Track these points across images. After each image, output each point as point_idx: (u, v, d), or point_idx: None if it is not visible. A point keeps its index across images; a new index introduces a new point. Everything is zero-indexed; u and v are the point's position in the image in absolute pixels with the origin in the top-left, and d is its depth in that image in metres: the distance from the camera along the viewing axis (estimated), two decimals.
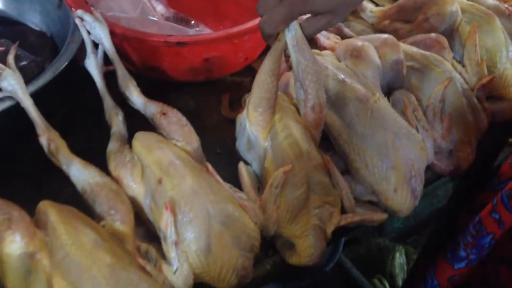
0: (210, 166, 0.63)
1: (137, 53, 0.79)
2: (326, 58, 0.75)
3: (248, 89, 0.86)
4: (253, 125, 0.66)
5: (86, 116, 0.81)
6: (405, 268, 1.70)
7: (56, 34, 0.85)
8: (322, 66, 0.73)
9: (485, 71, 0.80)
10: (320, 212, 0.63)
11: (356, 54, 0.74)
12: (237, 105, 0.85)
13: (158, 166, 0.59)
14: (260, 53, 0.90)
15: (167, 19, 0.87)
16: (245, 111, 0.68)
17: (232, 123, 0.82)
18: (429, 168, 0.75)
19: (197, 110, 0.84)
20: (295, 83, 0.67)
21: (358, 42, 0.76)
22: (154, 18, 0.82)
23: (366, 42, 0.75)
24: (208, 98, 0.86)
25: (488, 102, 0.80)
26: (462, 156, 0.75)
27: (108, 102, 0.70)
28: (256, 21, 0.79)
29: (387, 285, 1.66)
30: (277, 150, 0.64)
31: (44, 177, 0.68)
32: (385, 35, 0.78)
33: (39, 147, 0.65)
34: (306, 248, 0.61)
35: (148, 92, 0.72)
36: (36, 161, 0.68)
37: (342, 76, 0.71)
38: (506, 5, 0.88)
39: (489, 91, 0.81)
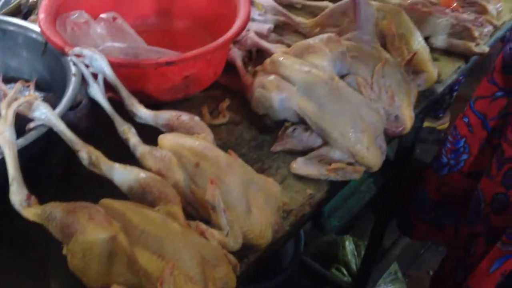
0: (232, 152, 0.76)
1: (125, 80, 0.89)
2: (288, 57, 0.91)
3: (220, 100, 1.01)
4: None
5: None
6: (355, 253, 1.89)
7: (41, 78, 0.93)
8: (288, 63, 0.89)
9: (405, 52, 1.02)
10: None
11: (312, 50, 0.91)
12: (216, 113, 0.99)
13: (193, 153, 0.71)
14: (223, 68, 1.04)
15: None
16: None
17: (215, 128, 0.95)
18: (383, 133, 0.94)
19: None
20: None
21: (310, 41, 0.93)
22: (144, 45, 0.94)
23: (317, 40, 0.93)
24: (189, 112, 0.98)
25: (413, 75, 1.01)
26: (406, 118, 0.95)
27: (118, 120, 0.80)
28: (222, 39, 0.94)
29: (344, 271, 1.83)
30: None
31: (73, 193, 0.77)
32: (327, 34, 0.96)
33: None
34: None
35: None
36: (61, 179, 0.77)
37: (306, 68, 0.88)
38: (408, 1, 1.12)
39: (412, 65, 1.02)
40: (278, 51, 1.03)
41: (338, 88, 0.86)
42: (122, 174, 0.69)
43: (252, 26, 1.15)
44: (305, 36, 1.17)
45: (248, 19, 0.97)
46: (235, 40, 1.11)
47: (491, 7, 1.19)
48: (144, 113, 0.81)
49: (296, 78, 0.87)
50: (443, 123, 2.64)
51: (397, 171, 1.60)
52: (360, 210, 2.21)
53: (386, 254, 1.89)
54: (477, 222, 0.95)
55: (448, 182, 1.09)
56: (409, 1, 1.18)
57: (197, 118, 0.79)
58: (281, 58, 0.91)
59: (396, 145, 1.49)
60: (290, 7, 1.29)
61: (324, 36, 0.97)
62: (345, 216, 2.19)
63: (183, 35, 1.15)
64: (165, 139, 0.74)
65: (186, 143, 0.73)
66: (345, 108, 0.85)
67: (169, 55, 0.91)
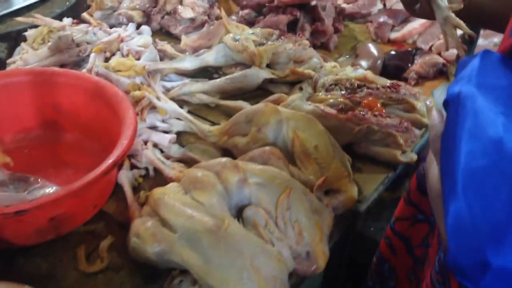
0: None
1: None
2: (173, 196, 0.77)
3: (102, 236, 0.85)
4: None
5: None
6: None
7: None
8: (170, 204, 0.75)
9: (317, 169, 0.89)
10: None
11: (199, 186, 0.77)
12: (95, 255, 0.83)
13: None
14: (109, 196, 0.89)
15: (2, 183, 0.83)
16: None
17: (90, 277, 0.79)
18: (292, 273, 0.79)
19: (51, 271, 0.80)
20: None
21: (198, 172, 0.79)
22: None
23: (206, 172, 0.79)
24: (62, 256, 0.82)
25: (328, 197, 0.88)
26: (318, 255, 0.80)
27: None
28: (93, 175, 0.78)
29: None
30: None
31: None
32: (224, 159, 0.83)
33: None
34: None
35: None
36: None
37: (190, 211, 0.73)
38: (321, 107, 1.00)
39: (326, 186, 0.88)
40: (172, 174, 0.89)
41: (226, 237, 0.71)
42: None
43: (152, 136, 1.01)
44: (214, 145, 1.03)
45: (131, 144, 0.83)
46: (130, 155, 0.98)
47: (419, 105, 1.08)
48: None
49: (178, 224, 0.73)
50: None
51: (348, 254, 1.45)
52: None
53: None
54: None
55: None
56: (330, 100, 1.07)
57: None
58: (163, 197, 0.76)
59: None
60: (204, 105, 1.17)
61: (221, 161, 0.83)
62: None
63: (72, 148, 1.01)
64: None
65: None
66: (236, 261, 0.70)
67: (27, 197, 0.75)
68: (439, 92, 0.55)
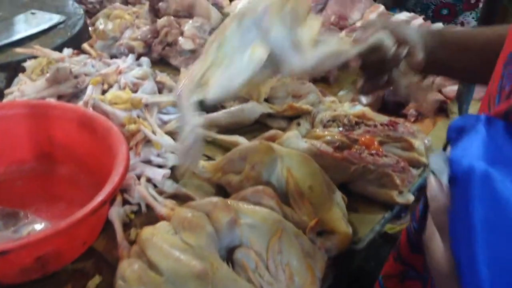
0: None
1: None
2: (162, 237, 0.75)
3: (91, 275, 0.84)
4: None
5: None
6: None
7: None
8: (158, 245, 0.73)
9: (311, 209, 0.87)
10: None
11: (188, 227, 0.76)
12: None
13: None
14: (99, 233, 0.88)
15: None
16: None
17: None
18: None
19: None
20: None
21: (188, 213, 0.78)
22: None
23: (196, 212, 0.78)
24: None
25: (321, 239, 0.86)
26: None
27: None
28: (90, 206, 0.78)
29: None
30: None
31: None
32: (215, 199, 0.81)
33: None
34: None
35: None
36: None
37: (177, 253, 0.72)
38: (317, 145, 0.99)
39: (320, 227, 0.87)
40: (163, 212, 0.87)
41: (214, 281, 0.70)
42: None
43: (146, 171, 1.00)
44: (208, 180, 1.02)
45: (122, 181, 0.82)
46: (122, 190, 0.97)
47: (418, 143, 1.06)
48: None
49: (165, 267, 0.71)
50: (404, 223, 2.50)
51: None
52: None
53: None
54: None
55: None
56: (327, 137, 1.06)
57: None
58: (151, 237, 0.75)
59: None
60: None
61: (212, 200, 0.81)
62: None
63: (66, 182, 1.00)
64: None
65: None
66: None
67: (13, 236, 0.74)
68: (436, 157, 0.49)
